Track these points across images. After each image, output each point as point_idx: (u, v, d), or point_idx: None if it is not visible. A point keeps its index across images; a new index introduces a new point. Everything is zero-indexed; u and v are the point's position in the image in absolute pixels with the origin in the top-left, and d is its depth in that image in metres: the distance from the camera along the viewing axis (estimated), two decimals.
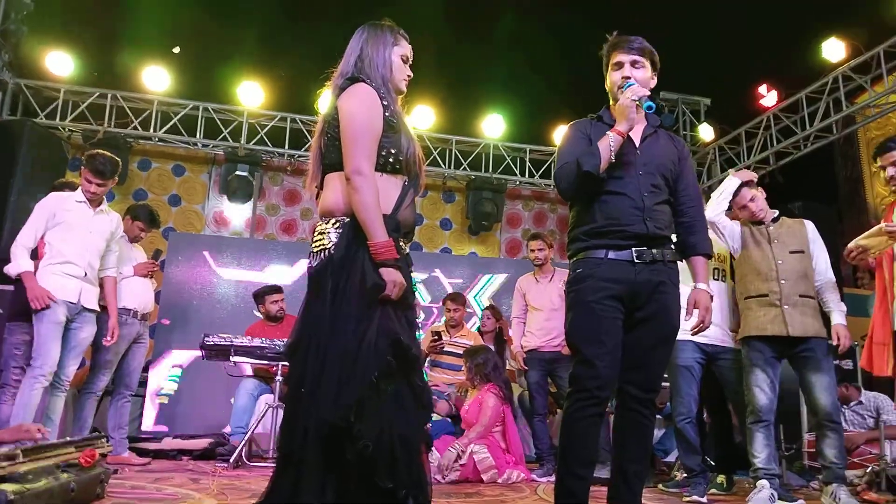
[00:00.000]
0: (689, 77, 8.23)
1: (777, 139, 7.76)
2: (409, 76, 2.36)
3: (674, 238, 2.68)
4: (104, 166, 4.27)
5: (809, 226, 3.94)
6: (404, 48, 2.33)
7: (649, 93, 2.53)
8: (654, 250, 2.50)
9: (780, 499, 3.67)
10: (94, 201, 4.31)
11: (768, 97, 7.99)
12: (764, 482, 3.59)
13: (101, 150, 4.42)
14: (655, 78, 2.67)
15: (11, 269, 4.04)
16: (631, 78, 2.57)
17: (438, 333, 5.72)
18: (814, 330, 3.71)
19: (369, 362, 1.96)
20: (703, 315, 2.60)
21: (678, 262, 2.65)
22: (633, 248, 2.49)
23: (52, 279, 4.03)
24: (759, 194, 3.95)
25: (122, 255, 4.85)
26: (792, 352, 3.74)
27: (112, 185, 4.46)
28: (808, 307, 3.74)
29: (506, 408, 4.89)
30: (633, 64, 2.61)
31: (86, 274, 4.19)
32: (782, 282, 3.76)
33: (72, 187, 4.84)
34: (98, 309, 4.31)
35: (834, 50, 7.06)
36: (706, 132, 8.67)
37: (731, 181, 3.98)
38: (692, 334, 2.64)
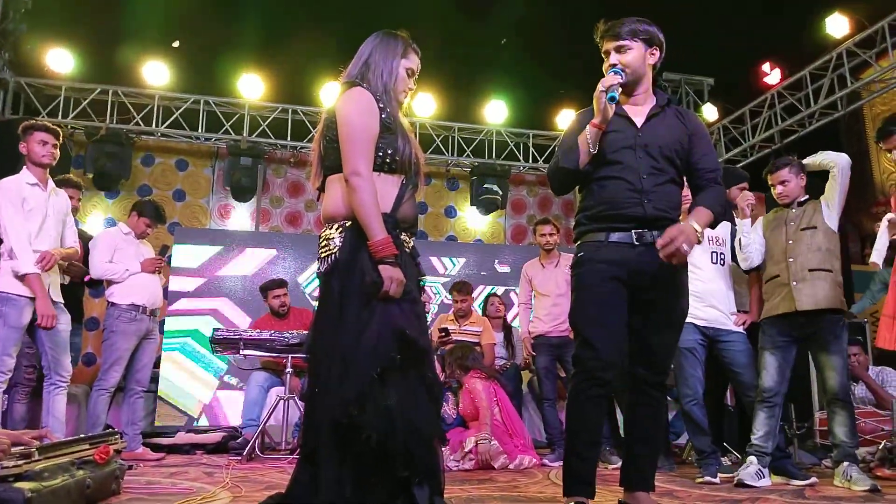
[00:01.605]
0: (691, 57, 8.17)
1: (782, 117, 7.72)
2: (410, 89, 2.39)
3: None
4: (49, 126, 4.11)
5: (823, 200, 3.90)
6: (412, 62, 2.36)
7: (621, 79, 2.47)
8: (654, 232, 2.47)
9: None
10: (45, 180, 4.07)
11: (772, 75, 7.93)
12: (753, 458, 3.68)
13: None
14: (656, 54, 2.61)
15: (21, 268, 3.85)
16: (617, 65, 2.53)
17: (445, 329, 5.72)
18: (824, 300, 3.70)
19: (369, 358, 2.01)
20: (673, 234, 2.35)
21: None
22: (633, 231, 2.48)
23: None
24: (796, 180, 3.91)
25: (129, 252, 4.86)
26: (806, 332, 3.75)
27: None
28: (819, 280, 3.74)
29: (495, 385, 4.90)
30: (618, 49, 2.56)
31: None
32: (790, 260, 3.81)
33: (71, 183, 4.84)
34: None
35: (837, 25, 6.98)
36: (710, 112, 8.62)
37: (743, 224, 4.01)
38: (662, 255, 2.38)
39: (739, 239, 4.00)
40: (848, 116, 8.03)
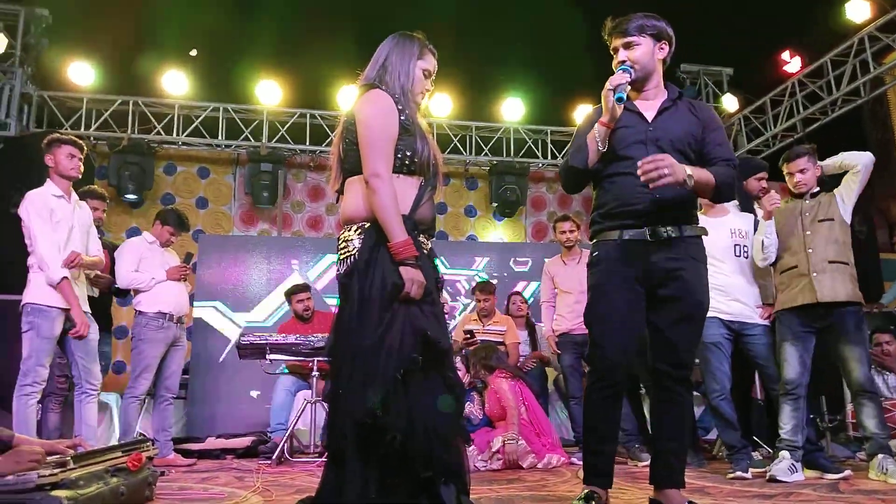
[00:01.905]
0: (710, 47, 8.11)
1: (804, 105, 7.62)
2: (428, 90, 2.39)
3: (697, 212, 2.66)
4: (76, 140, 4.15)
5: (837, 194, 3.87)
6: (428, 63, 2.37)
7: (629, 79, 2.47)
8: (668, 227, 2.47)
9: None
10: (69, 192, 4.12)
11: (792, 63, 7.84)
12: (785, 453, 3.64)
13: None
14: (665, 48, 2.61)
15: (53, 275, 3.88)
16: (626, 62, 2.53)
17: (471, 332, 5.73)
18: (844, 294, 3.68)
19: (392, 360, 2.02)
20: (660, 157, 2.32)
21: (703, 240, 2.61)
22: (647, 227, 2.47)
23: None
24: (813, 169, 3.88)
25: (154, 261, 4.91)
26: (825, 323, 3.72)
27: None
28: (838, 272, 3.72)
29: (520, 384, 4.88)
30: (626, 46, 2.57)
31: (79, 274, 4.10)
32: (809, 251, 3.77)
33: (96, 194, 4.91)
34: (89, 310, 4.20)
35: (858, 9, 6.87)
36: (730, 103, 8.53)
37: (767, 225, 3.92)
38: (639, 171, 2.31)
39: (762, 240, 3.92)
40: (872, 102, 7.91)
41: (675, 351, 2.55)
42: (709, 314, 3.89)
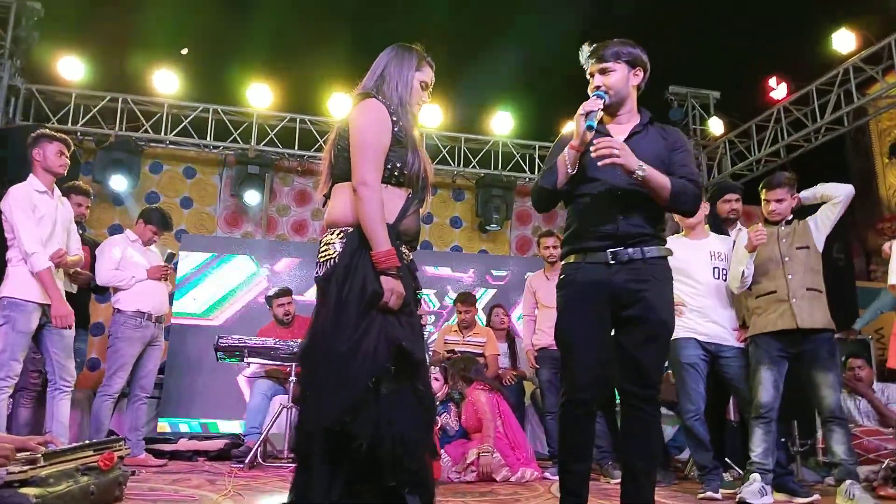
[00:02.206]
0: (698, 71, 8.20)
1: (788, 132, 7.71)
2: (424, 102, 2.42)
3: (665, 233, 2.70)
4: (66, 137, 4.15)
5: (811, 221, 3.94)
6: (426, 75, 2.40)
7: (601, 105, 2.52)
8: (629, 249, 2.51)
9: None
10: (52, 188, 4.10)
11: (778, 90, 7.94)
12: (756, 475, 3.66)
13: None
14: (640, 74, 2.66)
15: (37, 264, 3.85)
16: (601, 87, 2.58)
17: (453, 350, 5.74)
18: (822, 321, 3.75)
19: (365, 367, 2.03)
20: (615, 139, 2.47)
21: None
22: (609, 250, 2.51)
23: (34, 281, 3.89)
24: (790, 200, 3.95)
25: (134, 259, 4.89)
26: (800, 349, 3.76)
27: None
28: (815, 299, 3.78)
29: (498, 397, 4.90)
30: (602, 72, 2.62)
31: (58, 269, 4.07)
32: (789, 277, 3.82)
33: (80, 190, 4.89)
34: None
35: (844, 41, 6.99)
36: (716, 126, 8.63)
37: (749, 257, 3.90)
38: (592, 149, 2.42)
39: (742, 270, 3.91)
40: (854, 132, 8.03)
41: (641, 371, 2.57)
42: (686, 335, 3.95)
